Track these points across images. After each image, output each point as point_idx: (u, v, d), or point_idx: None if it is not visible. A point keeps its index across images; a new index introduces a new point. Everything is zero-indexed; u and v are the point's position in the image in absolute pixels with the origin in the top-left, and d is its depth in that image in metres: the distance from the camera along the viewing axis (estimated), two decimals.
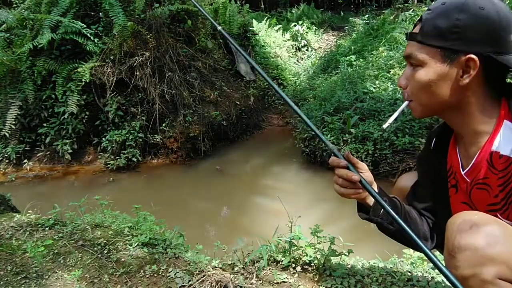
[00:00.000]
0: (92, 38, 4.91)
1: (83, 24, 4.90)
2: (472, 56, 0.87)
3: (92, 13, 5.21)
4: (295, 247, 1.82)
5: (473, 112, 0.94)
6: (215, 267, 1.80)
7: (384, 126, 1.02)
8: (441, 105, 0.96)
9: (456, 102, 0.94)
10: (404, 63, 6.67)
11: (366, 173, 1.03)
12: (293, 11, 13.57)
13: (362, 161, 1.21)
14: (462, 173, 1.02)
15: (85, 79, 4.72)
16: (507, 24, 0.86)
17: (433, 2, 0.95)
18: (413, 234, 0.84)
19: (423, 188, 1.19)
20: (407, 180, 1.28)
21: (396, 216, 0.88)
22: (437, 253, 1.21)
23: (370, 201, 1.07)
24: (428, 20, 0.92)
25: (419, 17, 0.97)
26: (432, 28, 0.91)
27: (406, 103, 1.01)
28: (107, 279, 1.73)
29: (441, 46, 0.90)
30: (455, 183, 1.06)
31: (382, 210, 1.08)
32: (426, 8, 0.97)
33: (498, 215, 0.93)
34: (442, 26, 0.89)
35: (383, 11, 11.11)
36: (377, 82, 5.46)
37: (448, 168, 1.08)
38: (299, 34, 10.27)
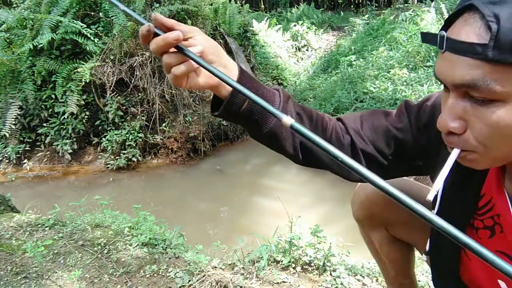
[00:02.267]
0: (92, 38, 4.91)
1: (83, 24, 4.90)
2: None
3: (92, 13, 5.21)
4: (295, 247, 1.82)
5: None
6: (215, 267, 1.80)
7: (430, 197, 0.59)
8: None
9: None
10: (405, 63, 6.62)
11: (198, 37, 0.68)
12: (293, 11, 13.58)
13: None
14: None
15: (85, 79, 4.72)
16: None
17: None
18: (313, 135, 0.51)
19: (382, 145, 0.85)
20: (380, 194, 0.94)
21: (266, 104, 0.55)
22: None
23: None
24: (507, 20, 0.49)
25: (459, 6, 0.56)
26: None
27: (456, 153, 0.61)
28: (107, 279, 1.73)
29: None
30: (492, 225, 0.77)
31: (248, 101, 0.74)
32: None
33: None
34: None
35: (383, 11, 11.12)
36: (377, 82, 5.46)
37: (484, 203, 0.78)
38: (299, 34, 10.27)
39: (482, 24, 0.51)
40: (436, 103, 0.81)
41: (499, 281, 0.78)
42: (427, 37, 0.61)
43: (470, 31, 0.53)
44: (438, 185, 0.59)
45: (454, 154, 0.61)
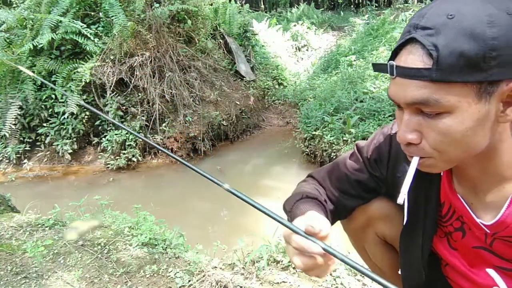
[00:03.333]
0: (92, 38, 4.91)
1: (83, 24, 4.90)
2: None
3: (92, 13, 5.21)
4: None
5: (503, 154, 0.72)
6: (215, 267, 1.80)
7: (399, 200, 0.69)
8: (472, 154, 0.70)
9: (488, 146, 0.70)
10: None
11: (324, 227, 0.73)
12: (293, 11, 13.58)
13: None
14: (478, 221, 0.81)
15: (85, 79, 4.72)
16: None
17: (423, 16, 0.64)
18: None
19: (358, 190, 1.02)
20: (381, 207, 1.07)
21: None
22: None
23: None
24: (444, 47, 0.60)
25: (402, 40, 0.66)
26: (456, 58, 0.59)
27: (416, 161, 0.71)
28: (107, 279, 1.73)
29: (476, 81, 0.61)
30: (460, 226, 0.86)
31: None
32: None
33: None
34: (473, 52, 0.59)
35: (383, 11, 11.11)
36: (377, 82, 5.46)
37: (447, 210, 0.88)
38: (299, 34, 10.28)
39: (424, 52, 0.62)
40: (381, 141, 0.97)
41: (488, 270, 0.85)
42: (378, 67, 0.71)
43: (415, 59, 0.63)
44: (405, 190, 0.69)
45: (415, 161, 0.71)
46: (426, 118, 0.66)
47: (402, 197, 0.68)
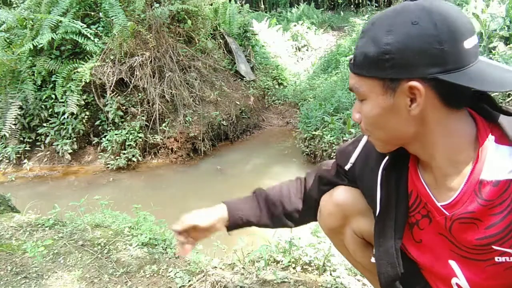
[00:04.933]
0: (92, 38, 4.91)
1: (83, 24, 4.90)
2: (413, 83, 0.73)
3: (92, 13, 5.21)
4: (295, 247, 1.82)
5: (439, 141, 0.80)
6: (215, 267, 1.80)
7: (347, 167, 0.96)
8: (399, 138, 0.84)
9: (416, 133, 0.81)
10: None
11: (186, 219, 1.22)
12: (293, 11, 13.58)
13: None
14: (438, 205, 0.87)
15: (85, 79, 4.72)
16: (450, 35, 0.70)
17: (371, 20, 0.81)
18: None
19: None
20: (347, 195, 1.14)
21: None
22: None
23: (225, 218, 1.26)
24: (359, 48, 0.79)
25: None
26: (363, 57, 0.77)
27: (365, 138, 0.93)
28: (107, 279, 1.73)
29: (377, 77, 0.76)
30: (426, 213, 0.92)
31: (240, 214, 1.25)
32: None
33: (494, 247, 0.82)
34: (372, 54, 0.75)
35: (383, 11, 11.10)
36: None
37: (414, 199, 0.94)
38: (299, 34, 10.27)
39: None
40: (346, 149, 1.11)
41: (450, 262, 0.91)
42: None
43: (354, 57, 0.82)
44: (352, 160, 0.99)
45: (363, 140, 0.95)
46: (360, 103, 0.85)
47: (349, 165, 0.92)
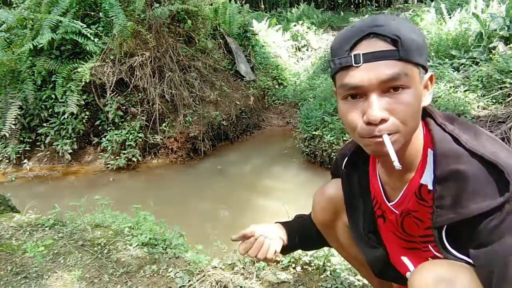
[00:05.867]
0: (92, 38, 4.91)
1: (83, 24, 4.90)
2: (432, 73, 0.84)
3: (92, 13, 5.21)
4: None
5: (414, 139, 0.85)
6: (215, 267, 1.80)
7: (397, 165, 0.78)
8: (413, 133, 0.84)
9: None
10: None
11: (257, 228, 1.18)
12: (293, 11, 13.58)
13: None
14: (389, 204, 0.95)
15: (85, 79, 4.72)
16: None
17: (370, 17, 0.80)
18: None
19: None
20: (337, 189, 1.17)
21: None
22: None
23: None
24: (404, 35, 0.76)
25: (362, 34, 0.78)
26: (410, 43, 0.76)
27: (388, 138, 0.79)
28: (107, 279, 1.73)
29: (420, 64, 0.79)
30: (381, 213, 1.00)
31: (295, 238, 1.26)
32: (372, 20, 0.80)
33: (430, 247, 0.89)
34: (419, 40, 0.78)
35: (383, 11, 11.12)
36: None
37: (373, 198, 1.02)
38: (299, 34, 10.27)
39: (386, 39, 0.76)
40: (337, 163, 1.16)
41: (402, 258, 0.99)
42: (339, 60, 0.80)
43: (379, 45, 0.76)
44: (394, 157, 0.78)
45: (387, 139, 0.78)
46: (393, 95, 0.77)
47: (398, 164, 0.77)
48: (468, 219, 0.75)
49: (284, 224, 1.28)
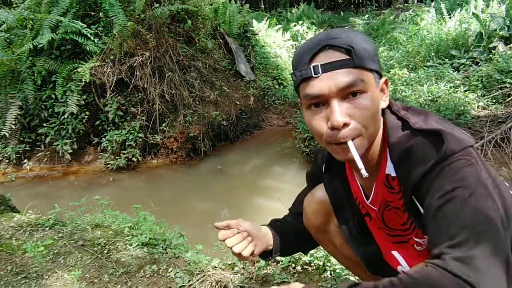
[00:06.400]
0: (92, 38, 4.91)
1: (83, 24, 4.90)
2: (386, 78, 0.91)
3: (92, 13, 5.21)
4: None
5: (376, 139, 0.91)
6: (215, 267, 1.80)
7: (364, 173, 0.84)
8: (376, 134, 0.90)
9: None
10: (405, 63, 6.59)
11: (243, 223, 1.14)
12: (293, 11, 13.58)
13: None
14: (367, 202, 1.01)
15: (85, 79, 4.72)
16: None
17: (325, 32, 0.88)
18: None
19: None
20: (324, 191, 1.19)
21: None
22: None
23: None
24: (357, 45, 0.83)
25: (318, 47, 0.84)
26: (363, 51, 0.83)
27: (351, 144, 0.84)
28: (107, 279, 1.73)
29: (374, 69, 0.86)
30: (366, 212, 1.05)
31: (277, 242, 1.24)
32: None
33: (413, 237, 0.93)
34: (370, 49, 0.85)
35: (383, 11, 11.12)
36: None
37: (355, 198, 1.07)
38: (299, 34, 10.27)
39: (341, 50, 0.82)
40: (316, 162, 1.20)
41: (393, 252, 1.02)
42: (300, 73, 0.85)
43: (335, 55, 0.82)
44: (361, 166, 0.83)
45: (351, 146, 0.84)
46: (351, 100, 0.83)
47: (364, 172, 0.83)
48: (414, 187, 0.81)
49: (274, 228, 1.26)
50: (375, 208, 0.99)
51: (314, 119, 0.87)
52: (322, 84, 0.82)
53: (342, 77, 0.81)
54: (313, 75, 0.82)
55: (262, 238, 1.17)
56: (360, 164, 0.83)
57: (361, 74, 0.82)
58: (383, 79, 0.90)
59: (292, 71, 0.89)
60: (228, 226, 1.13)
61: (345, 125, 0.82)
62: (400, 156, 0.85)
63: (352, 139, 0.84)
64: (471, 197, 0.72)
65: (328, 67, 0.82)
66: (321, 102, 0.84)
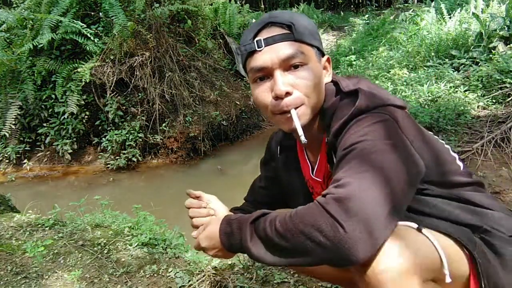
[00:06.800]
0: (92, 38, 4.91)
1: (83, 24, 4.90)
2: (328, 56, 0.97)
3: (92, 13, 5.21)
4: None
5: (326, 113, 0.95)
6: (215, 267, 1.80)
7: (303, 139, 0.88)
8: (320, 106, 0.95)
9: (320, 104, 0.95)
10: (405, 63, 6.57)
11: (215, 202, 1.19)
12: (293, 11, 13.56)
13: None
14: (312, 176, 1.03)
15: (85, 79, 4.72)
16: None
17: (268, 13, 0.97)
18: None
19: (268, 190, 1.27)
20: None
21: None
22: None
23: None
24: (294, 19, 0.90)
25: (262, 24, 0.92)
26: (303, 28, 0.90)
27: (294, 112, 0.89)
28: (107, 279, 1.73)
29: (315, 45, 0.92)
30: (312, 190, 1.08)
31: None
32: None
33: None
34: (311, 27, 0.92)
35: (383, 11, 11.12)
36: (377, 82, 5.46)
37: (305, 178, 1.09)
38: None
39: (282, 26, 0.89)
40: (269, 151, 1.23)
41: None
42: (245, 47, 0.91)
43: (277, 31, 0.89)
44: (301, 132, 0.88)
45: (294, 113, 0.89)
46: (294, 72, 0.89)
47: (303, 139, 0.88)
48: (334, 146, 0.86)
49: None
50: (319, 180, 1.02)
51: (260, 91, 0.92)
52: (265, 56, 0.88)
53: (284, 49, 0.88)
54: (257, 49, 0.89)
55: None
56: (300, 130, 0.87)
57: (301, 47, 0.88)
58: (325, 57, 0.96)
59: (237, 48, 0.96)
60: (200, 198, 1.20)
61: (288, 94, 0.88)
62: (329, 119, 0.91)
63: (295, 108, 0.89)
64: (367, 149, 0.76)
65: (270, 41, 0.88)
66: (265, 75, 0.90)
